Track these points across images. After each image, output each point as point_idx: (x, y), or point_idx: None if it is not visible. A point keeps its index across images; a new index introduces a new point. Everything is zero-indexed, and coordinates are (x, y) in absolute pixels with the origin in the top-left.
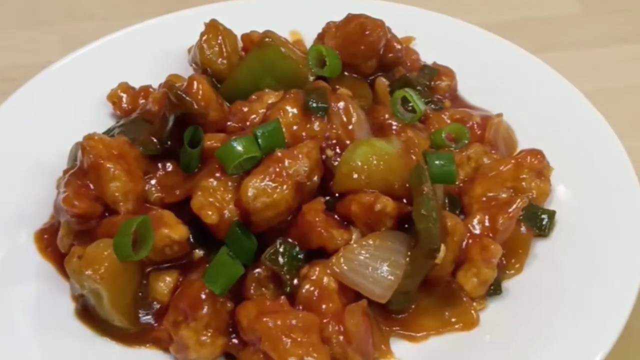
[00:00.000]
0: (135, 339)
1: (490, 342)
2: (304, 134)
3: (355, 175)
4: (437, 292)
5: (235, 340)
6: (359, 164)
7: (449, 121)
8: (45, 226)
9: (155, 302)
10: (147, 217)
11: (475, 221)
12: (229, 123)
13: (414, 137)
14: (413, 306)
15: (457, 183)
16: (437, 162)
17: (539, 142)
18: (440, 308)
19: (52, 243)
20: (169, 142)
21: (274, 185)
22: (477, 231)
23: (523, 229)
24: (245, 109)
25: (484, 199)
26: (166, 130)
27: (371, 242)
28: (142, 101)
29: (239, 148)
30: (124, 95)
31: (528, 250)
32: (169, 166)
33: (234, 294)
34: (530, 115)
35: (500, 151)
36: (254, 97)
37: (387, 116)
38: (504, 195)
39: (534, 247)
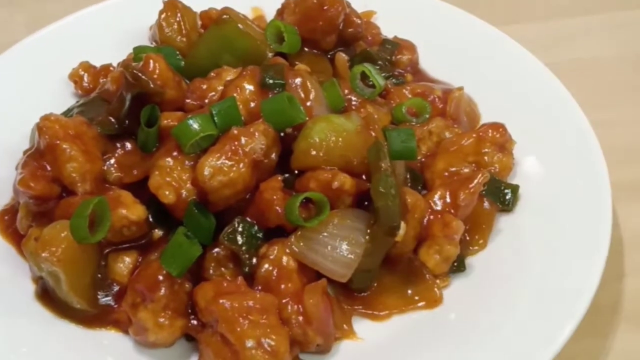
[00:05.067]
0: (95, 321)
1: (455, 320)
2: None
3: (314, 152)
4: (399, 270)
5: (194, 322)
6: (317, 140)
7: (410, 95)
8: (6, 207)
9: (114, 284)
10: (104, 198)
11: (436, 197)
12: (187, 101)
13: (373, 113)
14: (375, 284)
15: (419, 158)
16: (397, 138)
17: (502, 116)
18: (402, 286)
19: (13, 224)
20: (126, 122)
21: (230, 163)
22: (439, 207)
23: (486, 204)
24: (204, 87)
25: (446, 174)
26: (124, 109)
27: (330, 220)
28: (102, 80)
29: (195, 126)
30: (85, 74)
31: (492, 225)
32: (128, 145)
33: (194, 274)
34: (493, 88)
35: (463, 125)
36: (212, 74)
37: (346, 91)
38: (466, 170)
39: (497, 222)
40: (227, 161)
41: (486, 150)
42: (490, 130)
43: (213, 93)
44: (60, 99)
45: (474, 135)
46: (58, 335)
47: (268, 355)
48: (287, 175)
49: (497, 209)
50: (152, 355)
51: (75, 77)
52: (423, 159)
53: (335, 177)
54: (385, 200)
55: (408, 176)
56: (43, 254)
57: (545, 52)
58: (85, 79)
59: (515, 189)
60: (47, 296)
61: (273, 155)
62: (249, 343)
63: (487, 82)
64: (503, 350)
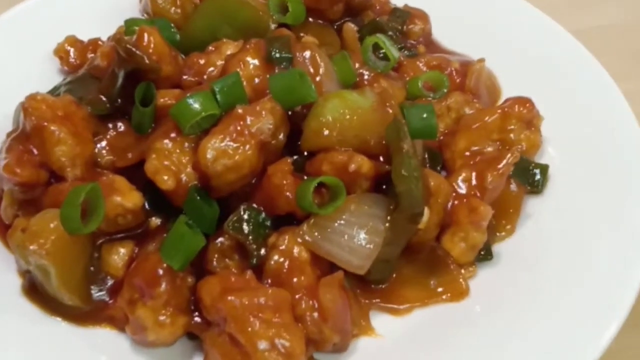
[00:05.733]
0: (89, 318)
1: (481, 314)
2: (268, 88)
3: (326, 132)
4: (420, 260)
5: (198, 319)
6: (330, 119)
7: (425, 68)
8: None
9: (109, 277)
10: (97, 184)
11: (460, 179)
12: (184, 77)
13: (388, 88)
14: (394, 275)
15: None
16: (416, 115)
17: (525, 90)
18: (424, 277)
19: None
20: (119, 101)
21: (235, 145)
22: (463, 191)
23: (513, 186)
24: (202, 62)
25: (468, 153)
26: (116, 87)
27: (346, 206)
28: (90, 55)
29: (196, 105)
30: (72, 50)
31: (520, 209)
32: (121, 126)
33: (196, 266)
34: (514, 59)
35: (483, 100)
36: (211, 48)
37: (357, 65)
38: (489, 149)
39: (526, 206)
40: (231, 143)
41: (512, 127)
42: (516, 105)
43: (212, 68)
44: (45, 76)
45: (499, 110)
46: (48, 334)
47: (282, 357)
48: (296, 157)
49: (526, 191)
50: (151, 355)
51: (60, 53)
52: (441, 137)
53: (352, 159)
54: (408, 185)
55: (426, 156)
56: (31, 247)
57: (563, 19)
58: (72, 54)
59: (544, 168)
60: (36, 292)
61: (281, 136)
62: (262, 344)
63: (506, 53)
64: (537, 349)
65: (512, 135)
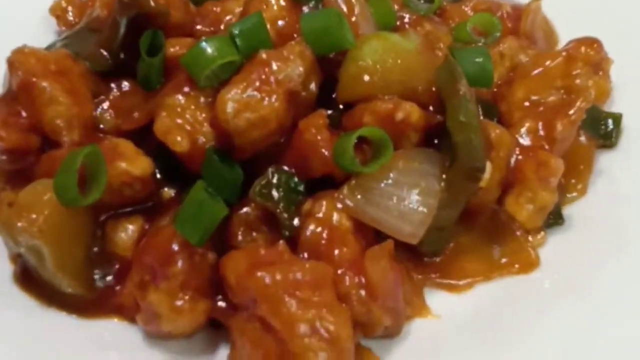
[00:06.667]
0: (93, 309)
1: (554, 288)
2: (295, 33)
3: (367, 77)
4: (481, 226)
5: (221, 303)
6: (370, 62)
7: (471, 13)
8: None
9: (115, 259)
10: (97, 147)
11: (523, 130)
12: (198, 27)
13: (433, 31)
14: (451, 245)
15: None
16: (468, 58)
17: (586, 33)
18: (486, 246)
19: None
20: (122, 54)
21: (259, 96)
22: (528, 143)
23: (583, 138)
24: (218, 10)
25: (527, 104)
26: (118, 38)
27: (393, 163)
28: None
29: (212, 51)
30: (69, 7)
31: (592, 165)
32: (125, 85)
33: (217, 241)
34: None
35: (539, 46)
36: None
37: (396, 8)
38: (552, 98)
39: (598, 162)
40: (255, 93)
41: (577, 71)
42: (582, 47)
43: (230, 16)
44: (41, 38)
45: (563, 53)
46: (46, 327)
47: (325, 343)
48: (329, 112)
49: (597, 145)
50: (168, 348)
51: (57, 12)
52: (495, 89)
53: (399, 106)
54: (467, 133)
55: (479, 109)
56: (19, 224)
57: None
58: (70, 12)
59: (617, 118)
60: (29, 278)
61: (312, 86)
62: (301, 328)
63: None
64: (623, 331)
65: (578, 81)
